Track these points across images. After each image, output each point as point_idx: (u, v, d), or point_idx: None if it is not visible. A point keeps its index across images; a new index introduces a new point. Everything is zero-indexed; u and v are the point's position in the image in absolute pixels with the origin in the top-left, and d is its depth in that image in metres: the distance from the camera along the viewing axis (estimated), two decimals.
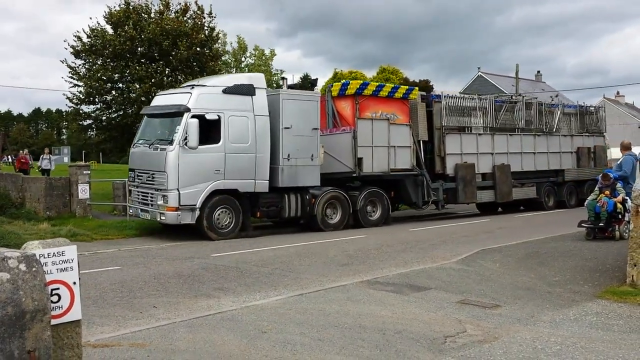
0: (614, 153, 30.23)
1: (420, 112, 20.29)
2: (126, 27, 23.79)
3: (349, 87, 18.86)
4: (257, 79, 17.14)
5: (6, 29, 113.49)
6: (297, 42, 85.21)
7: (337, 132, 18.53)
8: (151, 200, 15.94)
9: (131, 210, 17.41)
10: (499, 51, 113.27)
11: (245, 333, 6.47)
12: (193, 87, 16.29)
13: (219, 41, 29.77)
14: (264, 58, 40.38)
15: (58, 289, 3.62)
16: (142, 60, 24.80)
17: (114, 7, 25.04)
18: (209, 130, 15.64)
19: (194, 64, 25.49)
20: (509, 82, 49.04)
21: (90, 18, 32.01)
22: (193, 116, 15.38)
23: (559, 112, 25.00)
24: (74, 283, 3.69)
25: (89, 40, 24.49)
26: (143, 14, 25.04)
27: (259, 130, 16.39)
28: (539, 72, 63.66)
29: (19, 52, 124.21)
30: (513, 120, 23.22)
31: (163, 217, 15.42)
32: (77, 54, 24.66)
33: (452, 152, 20.96)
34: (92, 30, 24.70)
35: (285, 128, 16.89)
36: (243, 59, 39.70)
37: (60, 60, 29.40)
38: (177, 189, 15.21)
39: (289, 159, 16.96)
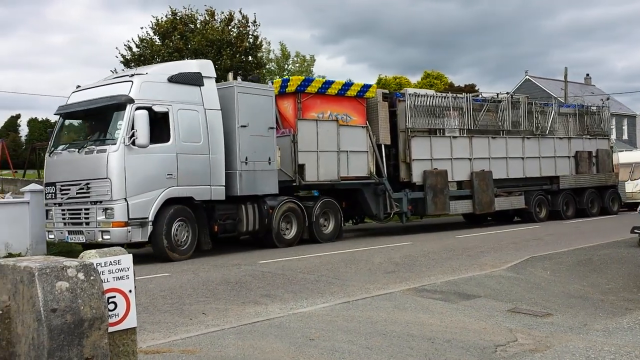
0: (622, 157, 27.66)
1: (381, 112, 18.02)
2: (173, 38, 24.29)
3: (289, 83, 16.54)
4: (205, 66, 14.75)
5: (57, 40, 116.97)
6: (341, 49, 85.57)
7: (277, 136, 15.80)
8: (86, 218, 13.13)
9: (51, 236, 14.11)
10: (546, 55, 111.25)
11: (294, 340, 6.50)
12: (132, 75, 13.64)
13: (263, 49, 30.09)
14: (305, 64, 40.63)
15: (114, 297, 3.71)
16: None
17: (161, 17, 25.61)
18: (157, 126, 13.21)
19: (239, 72, 25.82)
20: (558, 86, 48.18)
21: (141, 28, 32.83)
22: (139, 108, 12.86)
23: (553, 112, 22.55)
24: (130, 291, 3.79)
25: (138, 50, 25.09)
26: (189, 24, 25.52)
27: (212, 127, 14.12)
28: (588, 75, 62.41)
29: (68, 63, 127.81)
30: (496, 122, 20.88)
31: (107, 236, 12.71)
32: (126, 63, 25.30)
33: (419, 157, 18.69)
34: (141, 40, 25.30)
35: (242, 126, 14.67)
36: (286, 66, 40.01)
37: (110, 70, 30.17)
38: (125, 199, 12.69)
39: (246, 163, 14.74)
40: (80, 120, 14.78)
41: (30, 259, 3.56)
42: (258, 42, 27.07)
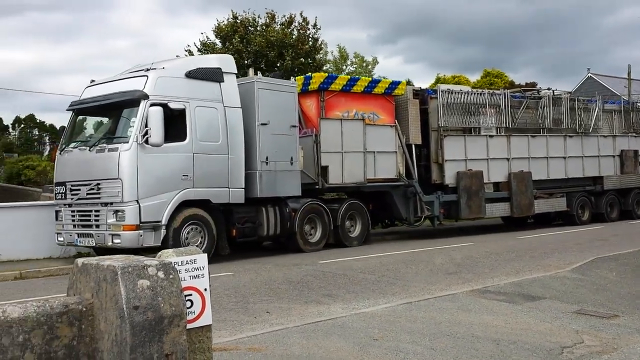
0: None
1: (411, 110, 17.14)
2: (234, 41, 24.71)
3: (311, 81, 15.67)
4: (226, 62, 13.94)
5: (120, 45, 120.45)
6: (398, 49, 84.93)
7: (299, 136, 15.07)
8: (96, 220, 12.42)
9: (60, 239, 13.34)
10: (608, 52, 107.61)
11: (357, 340, 6.55)
12: (148, 70, 12.83)
13: (322, 51, 30.30)
14: (364, 65, 40.55)
15: (191, 295, 3.87)
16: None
17: (222, 21, 26.10)
18: (173, 124, 12.53)
19: (299, 74, 26.10)
20: (621, 84, 46.61)
21: (202, 33, 33.58)
22: (153, 104, 12.13)
23: (597, 109, 21.35)
24: (205, 289, 3.94)
25: (199, 53, 25.65)
26: (250, 27, 25.92)
27: (231, 126, 13.35)
28: None
29: (130, 67, 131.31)
30: (536, 119, 19.81)
31: (117, 240, 12.02)
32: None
33: (452, 157, 17.73)
34: (202, 44, 25.84)
35: (262, 124, 13.88)
36: (344, 67, 40.06)
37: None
38: (137, 201, 11.98)
39: (267, 163, 13.95)
40: (93, 117, 14.03)
41: (112, 258, 3.75)
42: (318, 45, 27.25)
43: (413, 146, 17.23)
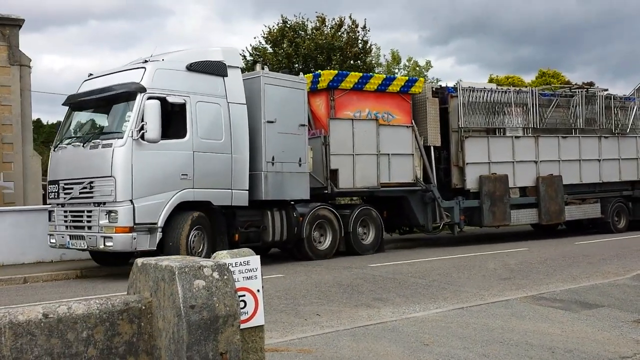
0: None
1: (430, 109, 16.20)
2: (283, 45, 24.99)
3: (320, 78, 14.81)
4: (230, 54, 13.15)
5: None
6: (450, 50, 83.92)
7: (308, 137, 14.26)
8: (88, 221, 11.59)
9: (53, 240, 12.50)
10: None
11: (408, 345, 6.52)
12: (146, 62, 12.09)
13: (372, 53, 30.30)
14: (418, 69, 40.30)
15: (244, 295, 3.94)
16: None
17: (272, 26, 26.42)
18: (172, 120, 11.84)
19: None
20: None
21: (254, 37, 34.10)
22: (150, 97, 11.38)
23: (635, 108, 19.89)
24: (258, 290, 4.01)
25: (251, 58, 26.02)
26: (300, 31, 26.14)
27: (235, 123, 12.56)
28: None
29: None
30: (568, 119, 18.61)
31: (109, 243, 11.22)
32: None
33: (474, 160, 16.73)
34: (254, 48, 26.21)
35: (268, 122, 13.13)
36: (396, 70, 39.90)
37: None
38: (131, 201, 11.17)
39: (273, 163, 13.18)
40: (89, 112, 13.17)
41: (169, 258, 3.85)
42: (367, 47, 27.28)
43: (432, 148, 16.36)
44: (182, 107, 11.93)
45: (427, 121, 16.18)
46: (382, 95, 15.53)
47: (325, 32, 26.14)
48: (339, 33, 26.53)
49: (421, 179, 15.95)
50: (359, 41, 26.71)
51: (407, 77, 16.27)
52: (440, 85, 18.06)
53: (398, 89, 15.72)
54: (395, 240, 18.59)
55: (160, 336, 3.64)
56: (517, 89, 18.65)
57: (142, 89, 11.48)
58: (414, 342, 6.60)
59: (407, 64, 41.37)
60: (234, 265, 3.90)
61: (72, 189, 11.94)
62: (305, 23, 26.69)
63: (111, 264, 12.89)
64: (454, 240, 18.38)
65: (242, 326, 3.78)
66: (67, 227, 12.11)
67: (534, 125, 17.93)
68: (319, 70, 16.27)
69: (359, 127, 14.89)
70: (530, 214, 17.68)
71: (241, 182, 12.65)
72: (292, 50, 25.21)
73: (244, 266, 3.96)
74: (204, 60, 12.50)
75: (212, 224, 12.33)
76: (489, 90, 17.44)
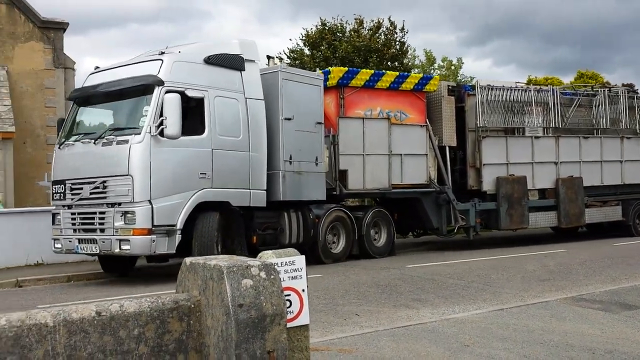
0: None
1: (445, 108, 15.58)
2: (322, 48, 25.11)
3: (330, 76, 14.18)
4: (248, 47, 12.43)
5: None
6: (487, 51, 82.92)
7: None
8: (100, 223, 10.90)
9: (58, 245, 11.70)
10: None
11: (448, 346, 6.55)
12: (162, 53, 11.48)
13: (408, 55, 30.27)
14: (452, 68, 40.10)
15: (289, 295, 4.04)
16: None
17: (311, 28, 26.57)
18: (190, 115, 11.18)
19: None
20: None
21: (290, 39, 34.35)
22: (169, 91, 10.82)
23: None
24: (303, 290, 4.11)
25: (289, 60, 26.21)
26: (338, 34, 26.23)
27: (253, 119, 12.06)
28: None
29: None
30: (590, 119, 17.94)
31: (126, 247, 10.57)
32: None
33: (491, 161, 16.05)
34: (291, 51, 26.40)
35: (286, 119, 12.64)
36: (431, 71, 39.75)
37: None
38: (149, 201, 10.58)
39: (291, 162, 12.69)
40: (98, 107, 12.31)
41: (217, 257, 3.97)
42: (404, 49, 27.24)
43: (447, 148, 15.75)
44: (200, 102, 11.39)
45: (442, 120, 15.65)
46: (395, 93, 14.98)
47: (363, 34, 26.17)
48: (377, 35, 26.54)
49: (435, 180, 15.43)
50: (397, 42, 26.68)
51: (421, 75, 15.76)
52: (457, 83, 17.38)
53: (412, 87, 15.19)
54: (407, 245, 17.88)
55: (208, 334, 3.76)
56: (538, 87, 18.12)
57: (160, 82, 10.92)
58: (454, 343, 6.63)
59: (441, 63, 41.21)
60: (279, 265, 4.01)
61: (81, 189, 11.23)
62: (344, 25, 26.76)
63: (116, 270, 12.46)
64: (487, 242, 18.12)
65: (288, 325, 3.88)
66: (75, 230, 11.34)
67: (555, 125, 17.34)
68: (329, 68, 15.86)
69: (369, 126, 14.37)
70: (549, 216, 17.08)
71: (259, 181, 12.20)
72: (330, 52, 25.31)
73: (290, 266, 4.07)
74: (222, 53, 11.96)
75: (229, 226, 11.80)
76: (508, 89, 16.78)
